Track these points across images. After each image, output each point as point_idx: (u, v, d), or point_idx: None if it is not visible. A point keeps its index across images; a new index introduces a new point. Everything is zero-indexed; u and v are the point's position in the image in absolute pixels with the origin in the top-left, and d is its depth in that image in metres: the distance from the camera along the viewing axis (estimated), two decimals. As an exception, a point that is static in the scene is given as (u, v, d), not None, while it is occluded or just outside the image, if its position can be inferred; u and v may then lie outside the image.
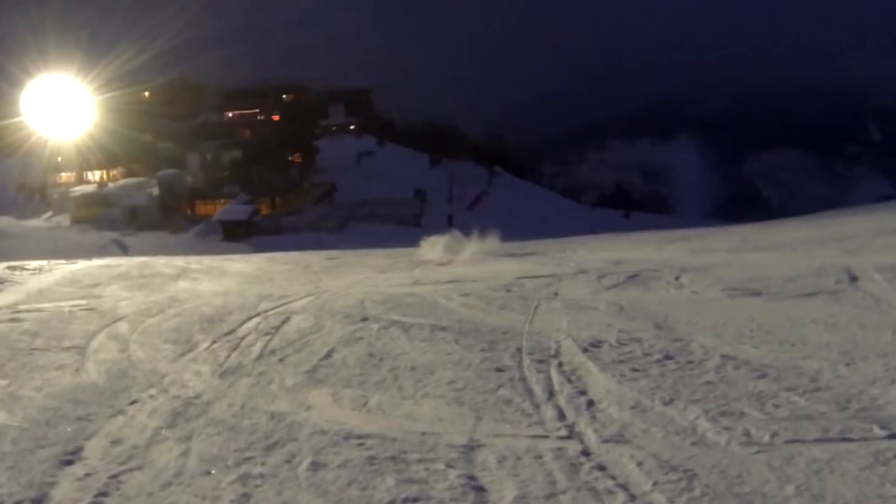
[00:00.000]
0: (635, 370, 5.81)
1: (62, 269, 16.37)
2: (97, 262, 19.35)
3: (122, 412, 5.41)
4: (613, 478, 3.85)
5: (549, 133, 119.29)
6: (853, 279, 9.45)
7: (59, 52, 63.56)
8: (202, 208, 64.43)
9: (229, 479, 4.09)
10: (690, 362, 5.94)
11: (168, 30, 70.93)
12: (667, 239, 22.22)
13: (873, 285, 8.95)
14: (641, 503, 3.63)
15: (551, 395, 5.31)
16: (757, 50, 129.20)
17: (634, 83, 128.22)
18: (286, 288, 12.42)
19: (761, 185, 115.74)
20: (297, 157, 73.44)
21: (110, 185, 68.07)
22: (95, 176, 70.06)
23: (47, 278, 14.64)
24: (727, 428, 4.44)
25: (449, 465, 4.12)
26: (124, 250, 48.75)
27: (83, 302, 11.15)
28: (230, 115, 73.68)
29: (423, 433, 4.66)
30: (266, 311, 9.46)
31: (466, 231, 21.30)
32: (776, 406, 4.77)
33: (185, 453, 4.51)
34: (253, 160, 66.56)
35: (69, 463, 4.42)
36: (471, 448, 4.37)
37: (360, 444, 4.51)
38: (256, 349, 7.34)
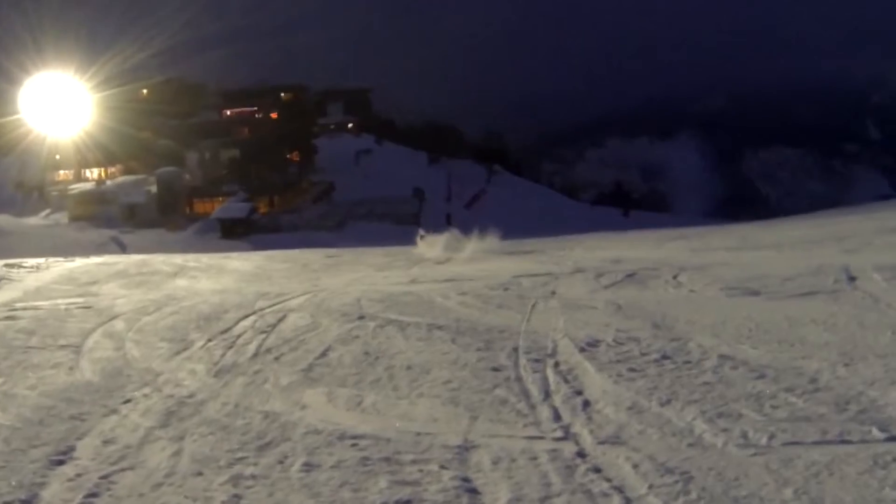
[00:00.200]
0: (632, 370, 5.77)
1: (60, 267, 16.35)
2: (95, 259, 19.35)
3: (115, 411, 5.37)
4: (609, 480, 3.81)
5: (548, 131, 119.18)
6: (852, 279, 9.42)
7: (57, 49, 63.50)
8: (201, 206, 64.32)
9: (221, 480, 4.05)
10: (688, 362, 5.90)
11: (167, 29, 70.96)
12: (665, 237, 22.22)
13: (872, 285, 8.92)
14: (637, 506, 3.59)
15: (547, 395, 5.27)
16: (756, 49, 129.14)
17: (633, 81, 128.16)
18: (284, 286, 12.40)
19: (760, 183, 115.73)
20: (295, 156, 73.38)
21: (108, 182, 67.93)
22: (94, 174, 69.95)
23: (45, 276, 14.62)
24: (725, 429, 4.39)
25: (443, 467, 4.08)
26: (123, 248, 48.70)
27: (80, 300, 11.13)
28: (229, 113, 73.59)
29: (418, 433, 4.62)
30: (263, 310, 9.44)
31: (465, 229, 21.30)
32: (774, 407, 4.73)
33: (177, 453, 4.47)
34: (251, 158, 66.51)
35: (60, 463, 4.38)
36: (465, 449, 4.33)
37: (353, 445, 4.47)
38: (252, 347, 7.31)
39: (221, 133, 69.67)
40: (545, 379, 5.66)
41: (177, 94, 71.55)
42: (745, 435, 4.30)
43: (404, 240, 25.09)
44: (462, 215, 55.64)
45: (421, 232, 23.38)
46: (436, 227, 25.45)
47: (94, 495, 3.94)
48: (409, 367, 6.26)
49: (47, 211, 65.59)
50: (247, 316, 9.02)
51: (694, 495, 3.60)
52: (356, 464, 4.19)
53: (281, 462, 4.27)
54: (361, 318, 8.57)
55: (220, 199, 63.77)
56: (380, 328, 7.95)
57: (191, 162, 67.52)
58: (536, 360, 6.22)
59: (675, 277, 10.85)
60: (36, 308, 10.30)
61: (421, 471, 4.04)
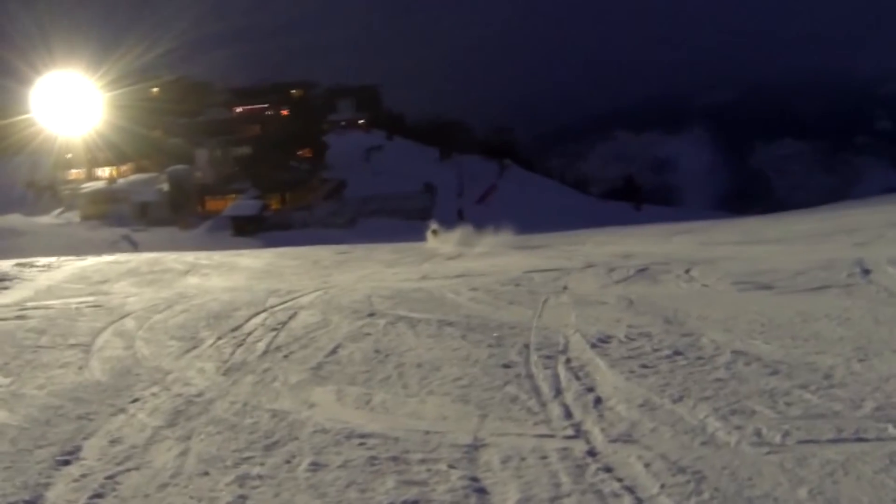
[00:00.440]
0: (644, 366, 5.71)
1: (71, 266, 16.38)
2: (107, 258, 19.39)
3: (123, 411, 5.35)
4: (620, 480, 3.74)
5: (558, 126, 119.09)
6: (866, 272, 9.32)
7: (67, 49, 63.62)
8: (212, 204, 64.54)
9: (227, 480, 4.01)
10: (700, 358, 5.83)
11: (177, 27, 70.96)
12: (675, 232, 22.15)
13: (887, 278, 8.82)
14: (648, 507, 3.53)
15: (558, 392, 5.21)
16: (764, 42, 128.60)
17: (643, 75, 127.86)
18: (295, 283, 12.38)
19: (769, 176, 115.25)
20: (306, 153, 73.48)
21: (120, 181, 68.23)
22: (105, 172, 70.23)
23: (56, 275, 14.65)
24: (738, 427, 4.32)
25: (451, 466, 4.03)
26: (134, 246, 48.87)
27: (91, 298, 11.13)
28: (239, 110, 73.76)
29: (427, 432, 4.57)
30: (273, 307, 9.41)
31: (477, 225, 21.29)
32: (788, 404, 4.65)
33: (183, 453, 4.44)
34: (262, 156, 66.67)
35: (66, 463, 4.35)
36: (474, 448, 4.28)
37: (361, 444, 4.42)
38: (262, 346, 7.28)
39: (232, 130, 69.91)
40: (556, 376, 5.60)
41: (185, 92, 71.76)
42: (758, 433, 4.23)
43: (415, 236, 25.11)
44: (473, 210, 55.62)
45: (433, 226, 23.39)
46: (447, 223, 25.46)
47: (98, 496, 3.91)
48: (419, 365, 6.21)
49: (59, 210, 65.91)
50: (257, 313, 8.99)
51: (707, 495, 3.53)
52: (364, 463, 4.14)
53: (288, 462, 4.23)
54: (372, 315, 8.53)
55: (232, 196, 63.97)
56: (390, 325, 7.91)
57: (201, 160, 67.71)
58: (548, 357, 6.16)
59: (686, 272, 10.77)
60: (47, 307, 10.31)
61: (429, 470, 3.99)
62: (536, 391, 5.27)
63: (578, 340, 6.67)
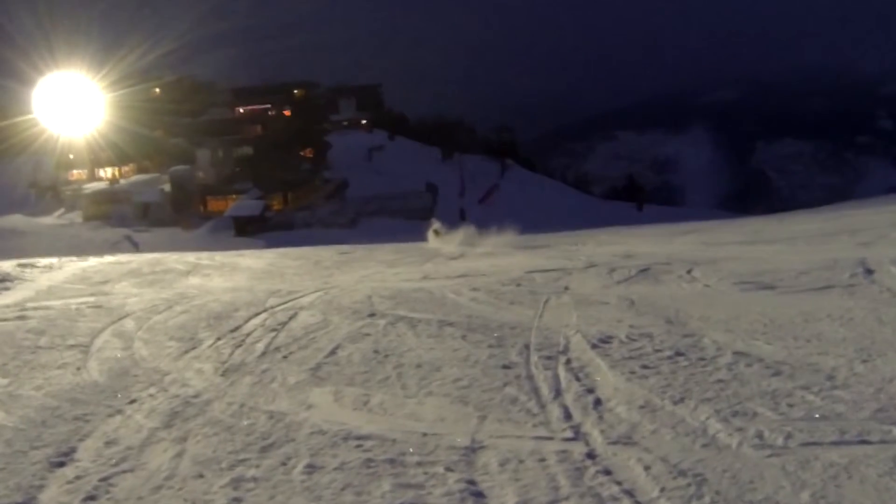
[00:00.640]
0: (645, 367, 5.66)
1: (73, 266, 16.35)
2: (108, 258, 19.35)
3: (119, 412, 5.31)
4: (619, 483, 3.69)
5: (560, 126, 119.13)
6: (868, 272, 9.26)
7: (69, 49, 63.61)
8: (214, 204, 64.50)
9: (222, 483, 3.97)
10: (702, 359, 5.79)
11: (179, 28, 71.11)
12: (677, 232, 22.09)
13: (890, 279, 8.76)
14: (647, 510, 3.48)
15: (558, 393, 5.17)
16: (767, 42, 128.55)
17: (645, 75, 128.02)
18: (296, 283, 12.34)
19: (772, 176, 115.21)
20: (308, 153, 73.43)
21: (122, 181, 68.27)
22: (107, 173, 70.29)
23: (57, 275, 14.61)
24: (739, 429, 4.27)
25: (448, 469, 3.98)
26: (136, 247, 48.86)
27: (91, 299, 11.09)
28: (241, 110, 73.72)
29: (425, 434, 4.53)
30: (274, 308, 9.37)
31: (479, 224, 21.25)
32: (791, 406, 4.60)
33: (179, 455, 4.40)
34: (264, 156, 66.58)
35: (61, 465, 4.32)
36: (472, 450, 4.23)
37: (358, 446, 4.38)
38: (261, 346, 7.24)
39: (233, 131, 69.87)
40: (556, 377, 5.56)
41: (187, 92, 71.70)
42: (760, 435, 4.17)
43: (417, 235, 25.05)
44: (475, 210, 55.56)
45: (435, 225, 23.34)
46: (449, 223, 25.43)
47: (92, 498, 3.87)
48: (418, 365, 6.17)
49: (61, 210, 65.92)
50: (257, 314, 8.95)
51: (707, 499, 3.48)
52: (360, 465, 4.10)
53: (284, 464, 4.19)
54: (372, 315, 8.49)
55: (233, 196, 63.93)
56: (390, 325, 7.87)
57: (203, 160, 67.70)
58: (548, 358, 6.11)
59: (688, 272, 10.72)
60: (47, 308, 10.28)
61: (426, 473, 3.95)
62: (536, 392, 5.23)
63: (579, 341, 6.63)
